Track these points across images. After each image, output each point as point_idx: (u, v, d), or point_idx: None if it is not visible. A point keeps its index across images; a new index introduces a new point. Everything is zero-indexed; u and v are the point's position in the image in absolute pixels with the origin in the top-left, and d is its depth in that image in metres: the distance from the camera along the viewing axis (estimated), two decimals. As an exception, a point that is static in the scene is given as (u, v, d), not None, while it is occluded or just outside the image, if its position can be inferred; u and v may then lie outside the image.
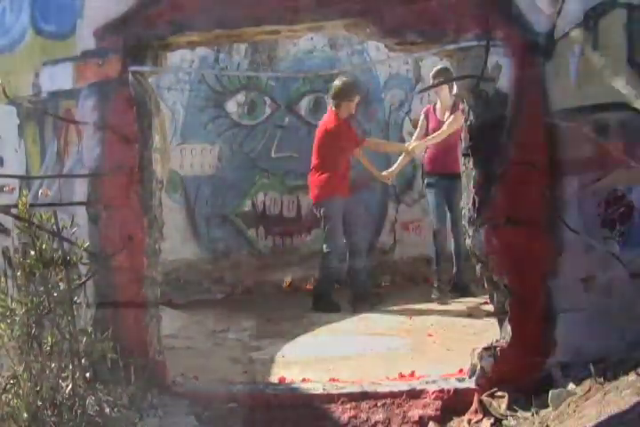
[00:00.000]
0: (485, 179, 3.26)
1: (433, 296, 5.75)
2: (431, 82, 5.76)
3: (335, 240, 5.82)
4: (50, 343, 2.90)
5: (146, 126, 3.49)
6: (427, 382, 3.41)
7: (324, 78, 6.29)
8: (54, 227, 3.02)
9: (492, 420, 3.08)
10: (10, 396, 2.82)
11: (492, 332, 3.51)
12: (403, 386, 3.40)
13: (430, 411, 3.25)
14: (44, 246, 2.95)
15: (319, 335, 4.93)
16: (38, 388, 2.82)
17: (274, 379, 3.79)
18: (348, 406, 3.31)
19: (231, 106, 6.75)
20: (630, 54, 3.21)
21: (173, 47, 3.63)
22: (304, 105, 6.89)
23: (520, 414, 3.06)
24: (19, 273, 2.94)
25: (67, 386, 2.91)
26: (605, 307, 3.19)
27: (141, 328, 3.40)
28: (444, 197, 5.83)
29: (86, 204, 3.40)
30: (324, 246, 5.83)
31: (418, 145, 5.91)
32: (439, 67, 5.68)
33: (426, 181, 6.03)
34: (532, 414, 3.02)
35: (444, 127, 5.77)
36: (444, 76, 5.52)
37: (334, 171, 5.80)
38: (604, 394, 2.81)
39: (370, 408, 3.30)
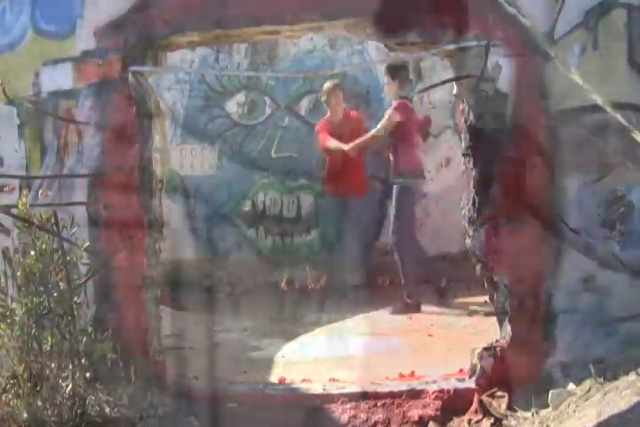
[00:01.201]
0: (485, 179, 3.26)
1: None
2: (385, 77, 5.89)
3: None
4: (50, 343, 2.90)
5: (146, 126, 3.49)
6: (427, 382, 3.41)
7: (324, 78, 6.29)
8: (54, 227, 3.02)
9: (491, 420, 3.08)
10: (10, 396, 2.82)
11: (492, 332, 3.51)
12: (403, 386, 3.40)
13: (430, 411, 3.25)
14: (44, 246, 2.95)
15: (319, 335, 4.93)
16: (38, 388, 2.82)
17: (274, 379, 3.79)
18: (348, 406, 3.31)
19: (231, 106, 6.75)
20: (630, 54, 3.21)
21: (173, 47, 3.63)
22: (304, 105, 6.89)
23: (520, 414, 3.06)
24: (19, 273, 2.94)
25: (67, 386, 2.91)
26: (605, 307, 3.19)
27: (141, 328, 3.40)
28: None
29: (86, 204, 3.40)
30: None
31: (352, 146, 5.89)
32: (390, 63, 5.80)
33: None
34: (532, 414, 3.02)
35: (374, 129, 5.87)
36: (391, 73, 5.69)
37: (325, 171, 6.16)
38: (604, 394, 2.81)
39: (370, 408, 3.29)
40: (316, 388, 3.47)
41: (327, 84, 6.12)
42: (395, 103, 5.72)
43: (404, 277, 5.58)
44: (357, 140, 5.92)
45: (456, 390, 3.29)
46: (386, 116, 5.71)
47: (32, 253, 2.94)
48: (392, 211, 5.69)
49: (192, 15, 3.34)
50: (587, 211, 3.23)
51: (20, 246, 3.06)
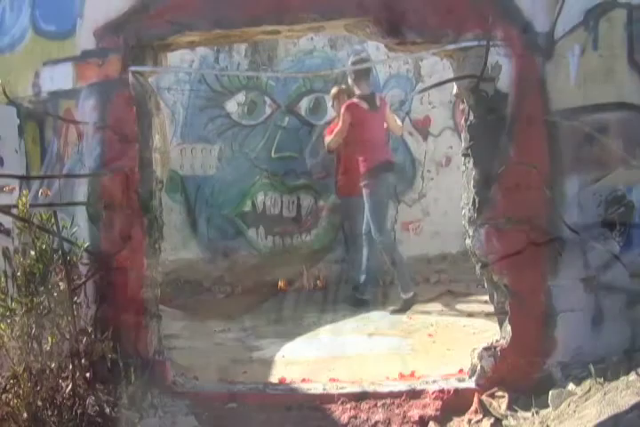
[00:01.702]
0: (485, 179, 3.26)
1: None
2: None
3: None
4: (50, 343, 2.90)
5: (146, 126, 3.48)
6: (427, 382, 3.41)
7: (324, 78, 6.29)
8: (54, 227, 3.02)
9: (492, 420, 3.08)
10: (10, 396, 2.82)
11: (492, 332, 3.51)
12: (403, 386, 3.39)
13: (430, 411, 3.25)
14: (43, 246, 2.95)
15: (319, 335, 4.93)
16: (38, 388, 2.82)
17: (274, 379, 3.79)
18: (348, 406, 3.31)
19: (231, 106, 6.75)
20: (630, 54, 3.21)
21: (173, 47, 3.63)
22: (304, 105, 6.89)
23: (520, 414, 3.06)
24: (19, 273, 2.94)
25: (67, 386, 2.91)
26: (605, 307, 3.19)
27: (141, 328, 3.40)
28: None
29: (86, 204, 3.40)
30: None
31: (329, 141, 6.00)
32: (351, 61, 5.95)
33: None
34: (532, 414, 3.02)
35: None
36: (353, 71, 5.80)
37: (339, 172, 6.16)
38: (604, 394, 2.81)
39: (370, 408, 3.29)
40: (316, 388, 3.47)
41: (333, 90, 6.16)
42: (344, 104, 5.78)
43: (396, 273, 5.60)
44: (330, 136, 6.00)
45: (456, 390, 3.29)
46: (341, 118, 5.79)
47: (32, 253, 2.94)
48: (367, 212, 5.73)
49: (192, 15, 3.34)
50: (587, 211, 3.23)
51: (19, 246, 3.06)
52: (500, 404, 3.14)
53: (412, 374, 3.65)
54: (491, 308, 3.45)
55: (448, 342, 4.45)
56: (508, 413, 3.08)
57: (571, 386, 3.04)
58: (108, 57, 3.40)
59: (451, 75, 3.57)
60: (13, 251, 3.06)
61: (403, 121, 6.93)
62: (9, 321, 2.86)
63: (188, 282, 6.39)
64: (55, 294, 2.95)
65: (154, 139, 3.57)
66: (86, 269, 3.26)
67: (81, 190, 3.44)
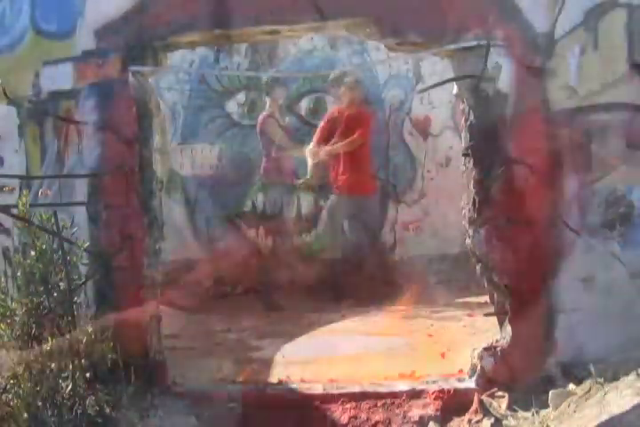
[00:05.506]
0: (485, 179, 3.26)
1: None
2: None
3: None
4: (50, 343, 2.91)
5: (146, 126, 3.49)
6: (427, 382, 3.41)
7: (324, 78, 6.29)
8: (54, 227, 3.03)
9: (492, 420, 3.08)
10: (10, 396, 2.82)
11: (492, 332, 3.51)
12: (403, 386, 3.39)
13: (430, 411, 3.25)
14: (44, 246, 2.96)
15: (319, 335, 4.92)
16: (38, 388, 2.82)
17: (274, 379, 3.79)
18: (348, 406, 3.31)
19: (231, 106, 6.74)
20: (630, 54, 3.21)
21: (173, 47, 3.63)
22: (304, 105, 6.89)
23: (520, 414, 3.06)
24: (19, 273, 2.94)
25: (67, 386, 2.91)
26: (605, 307, 3.19)
27: (141, 328, 3.40)
28: None
29: (86, 204, 3.40)
30: None
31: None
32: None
33: None
34: (532, 414, 3.02)
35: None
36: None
37: None
38: (604, 394, 2.81)
39: (370, 408, 3.29)
40: (315, 388, 3.47)
41: None
42: None
43: None
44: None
45: (456, 390, 3.29)
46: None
47: (32, 253, 2.94)
48: None
49: (192, 15, 3.34)
50: (587, 211, 3.23)
51: (20, 246, 3.06)
52: (500, 404, 3.14)
53: (412, 374, 3.64)
54: (491, 308, 3.45)
55: (448, 342, 4.45)
56: (508, 413, 3.08)
57: (571, 386, 3.04)
58: (107, 57, 3.40)
59: (451, 75, 3.57)
60: (13, 251, 3.06)
61: (402, 121, 6.94)
62: (9, 321, 2.86)
63: (188, 282, 6.38)
64: (55, 294, 2.95)
65: (154, 139, 3.57)
66: (86, 269, 3.26)
67: (81, 190, 3.44)
